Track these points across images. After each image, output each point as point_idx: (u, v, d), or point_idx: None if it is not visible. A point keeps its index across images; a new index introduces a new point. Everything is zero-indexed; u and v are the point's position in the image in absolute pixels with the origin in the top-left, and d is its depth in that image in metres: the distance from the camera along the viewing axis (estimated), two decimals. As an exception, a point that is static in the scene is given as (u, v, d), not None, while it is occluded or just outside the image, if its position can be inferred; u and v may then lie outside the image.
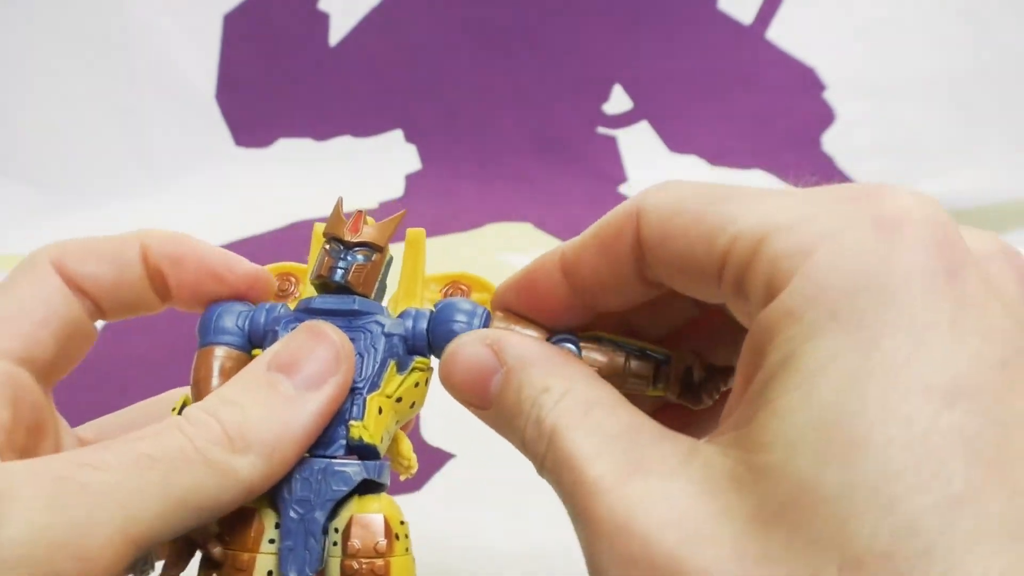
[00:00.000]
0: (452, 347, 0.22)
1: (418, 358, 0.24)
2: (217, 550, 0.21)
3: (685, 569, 0.15)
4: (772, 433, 0.15)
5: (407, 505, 0.24)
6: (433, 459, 0.50)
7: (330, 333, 0.22)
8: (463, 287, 0.25)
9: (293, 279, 0.26)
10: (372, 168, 1.02)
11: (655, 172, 1.03)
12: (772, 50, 1.06)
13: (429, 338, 0.24)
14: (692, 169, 1.04)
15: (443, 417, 0.51)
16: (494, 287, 0.25)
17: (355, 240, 0.23)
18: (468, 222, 0.91)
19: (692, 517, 0.16)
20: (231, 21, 1.02)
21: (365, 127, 1.05)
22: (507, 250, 0.84)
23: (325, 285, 0.24)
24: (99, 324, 0.26)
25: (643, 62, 1.07)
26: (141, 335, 0.66)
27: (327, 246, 0.24)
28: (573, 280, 0.22)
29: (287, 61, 1.04)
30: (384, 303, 0.25)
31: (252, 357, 0.24)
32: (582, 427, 0.18)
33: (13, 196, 0.94)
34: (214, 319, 0.24)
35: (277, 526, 0.22)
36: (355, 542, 0.21)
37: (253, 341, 0.24)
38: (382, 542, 0.21)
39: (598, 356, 0.23)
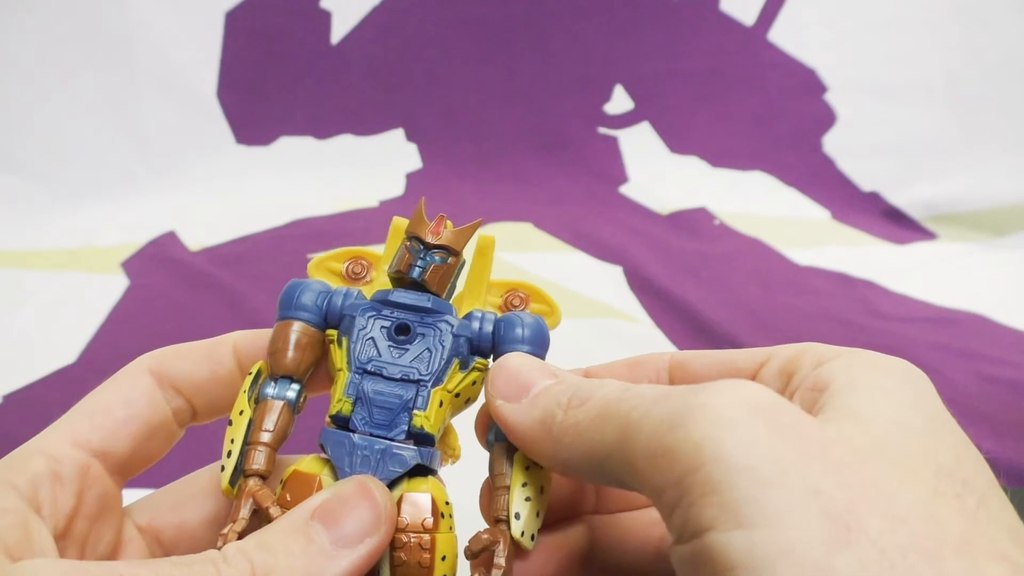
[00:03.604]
0: (515, 355, 0.25)
1: (479, 359, 0.25)
2: (275, 510, 0.22)
3: None
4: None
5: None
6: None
7: (376, 494, 0.22)
8: (521, 295, 0.28)
9: (365, 263, 0.28)
10: (373, 167, 1.02)
11: (656, 173, 1.03)
12: (774, 51, 1.06)
13: (495, 341, 0.26)
14: (693, 169, 1.04)
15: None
16: (552, 299, 0.28)
17: (435, 242, 0.25)
18: (468, 221, 0.91)
19: None
20: (232, 19, 1.02)
21: (366, 126, 1.05)
22: (507, 249, 0.84)
23: (401, 279, 0.25)
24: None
25: (645, 62, 1.07)
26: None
27: (408, 243, 0.25)
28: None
29: (288, 59, 1.04)
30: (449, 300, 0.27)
31: (326, 336, 0.25)
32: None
33: (14, 193, 0.94)
34: (296, 295, 0.25)
35: None
36: (404, 517, 0.23)
37: (329, 321, 0.25)
38: (429, 519, 0.23)
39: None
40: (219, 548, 0.21)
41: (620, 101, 1.07)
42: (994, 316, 0.74)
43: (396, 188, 0.99)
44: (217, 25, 1.01)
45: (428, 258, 0.25)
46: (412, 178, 1.02)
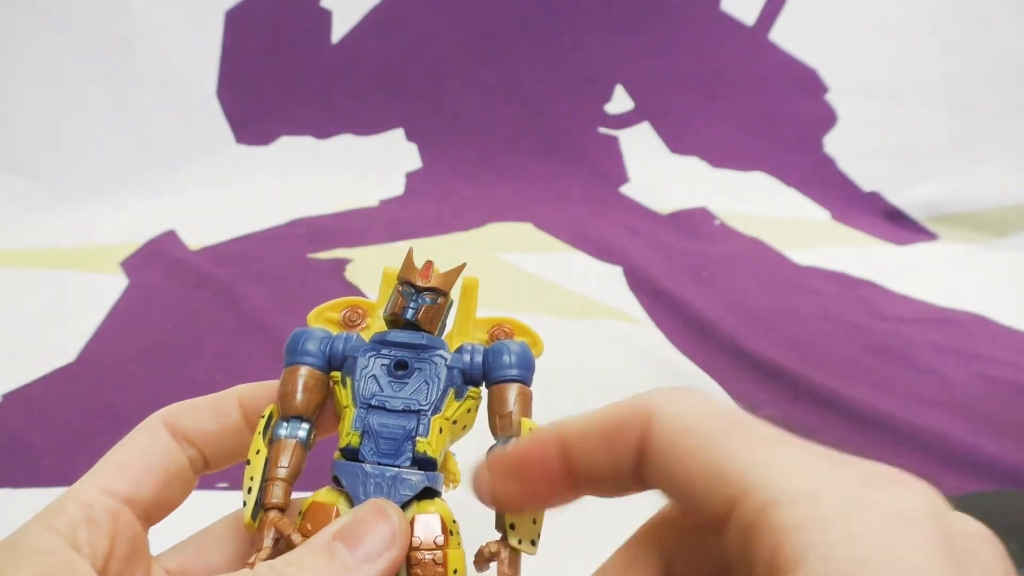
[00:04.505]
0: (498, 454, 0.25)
1: (472, 388, 0.28)
2: (296, 537, 0.25)
3: None
4: None
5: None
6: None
7: (391, 514, 0.24)
8: (506, 330, 0.30)
9: (361, 310, 0.31)
10: (373, 166, 1.02)
11: (656, 173, 1.03)
12: (775, 51, 1.06)
13: (485, 368, 0.28)
14: (693, 169, 1.04)
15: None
16: (534, 332, 0.30)
17: (425, 285, 0.28)
18: (468, 221, 0.91)
19: None
20: (233, 18, 1.02)
21: (366, 125, 1.05)
22: (507, 249, 0.84)
23: (396, 321, 0.28)
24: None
25: (645, 62, 1.07)
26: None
27: (400, 288, 0.28)
28: (569, 463, 0.23)
29: (288, 58, 1.04)
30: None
31: (330, 378, 0.28)
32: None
33: (14, 192, 0.94)
34: (300, 343, 0.28)
35: None
36: (418, 537, 0.25)
37: (332, 364, 0.28)
38: (440, 537, 0.25)
39: None
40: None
41: (620, 101, 1.07)
42: (994, 316, 0.74)
43: (396, 188, 1.00)
44: (217, 24, 1.01)
45: (420, 300, 0.27)
46: (412, 178, 1.02)
